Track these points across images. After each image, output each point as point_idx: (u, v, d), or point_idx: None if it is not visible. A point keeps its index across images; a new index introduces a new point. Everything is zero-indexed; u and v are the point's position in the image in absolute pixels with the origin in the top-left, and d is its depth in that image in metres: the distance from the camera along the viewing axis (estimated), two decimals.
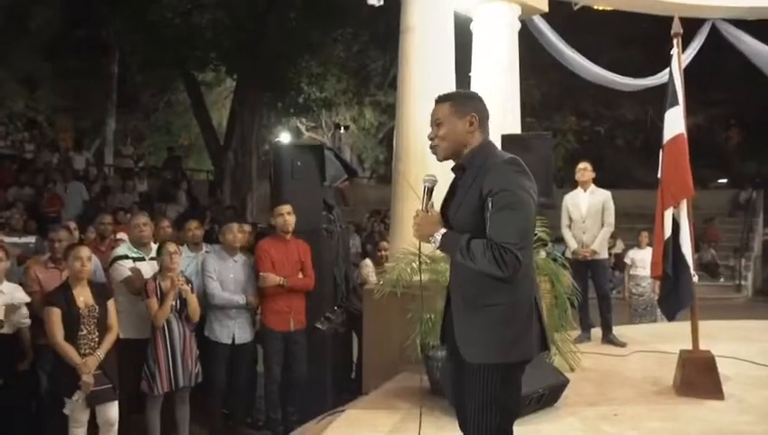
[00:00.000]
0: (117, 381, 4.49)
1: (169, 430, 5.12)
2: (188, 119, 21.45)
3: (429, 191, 2.64)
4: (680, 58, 5.08)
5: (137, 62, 17.22)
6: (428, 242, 2.56)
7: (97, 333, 4.45)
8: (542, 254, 5.15)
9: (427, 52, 6.12)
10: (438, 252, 4.31)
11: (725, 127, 24.71)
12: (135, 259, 5.20)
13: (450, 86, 5.95)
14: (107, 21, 15.92)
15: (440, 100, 2.68)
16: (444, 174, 2.75)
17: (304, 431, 4.71)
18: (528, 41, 8.45)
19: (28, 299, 4.75)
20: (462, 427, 2.70)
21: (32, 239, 7.18)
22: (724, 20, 8.76)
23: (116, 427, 4.53)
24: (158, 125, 23.92)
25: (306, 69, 15.46)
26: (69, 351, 4.30)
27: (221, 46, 14.53)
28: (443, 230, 2.51)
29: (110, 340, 4.52)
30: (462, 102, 2.64)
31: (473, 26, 7.41)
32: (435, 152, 2.67)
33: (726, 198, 21.31)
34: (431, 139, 2.66)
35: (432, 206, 2.62)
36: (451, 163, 2.71)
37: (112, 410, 4.48)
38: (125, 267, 5.13)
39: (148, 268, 5.17)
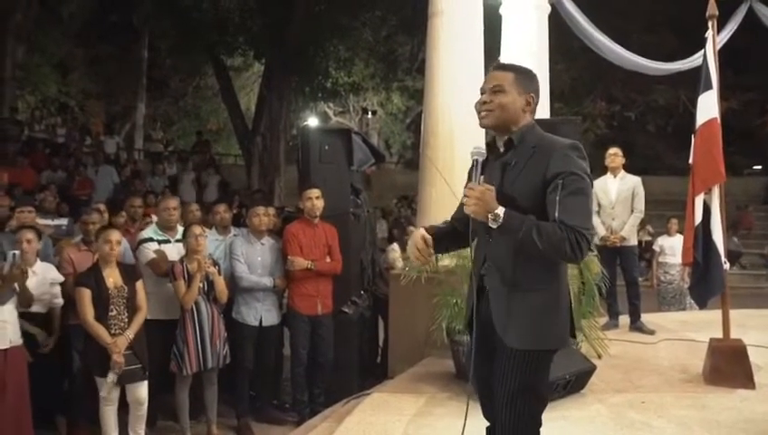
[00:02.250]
0: (146, 361, 4.57)
1: (198, 410, 5.21)
2: (217, 103, 21.63)
3: (479, 165, 2.46)
4: (715, 41, 4.97)
5: (166, 47, 17.35)
6: (486, 219, 2.35)
7: (126, 314, 4.54)
8: None
9: (456, 36, 6.06)
10: None
11: (760, 112, 24.14)
12: (160, 242, 5.27)
13: (479, 71, 5.90)
14: (137, 6, 16.05)
15: (503, 68, 2.56)
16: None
17: (330, 414, 4.74)
18: (558, 25, 8.34)
19: (62, 278, 4.85)
20: (485, 413, 2.67)
21: (64, 221, 7.30)
22: (761, 1, 8.54)
23: (145, 406, 4.62)
24: (186, 110, 24.16)
25: (334, 53, 15.43)
26: (99, 330, 4.39)
27: (249, 31, 14.57)
28: (502, 208, 2.34)
29: (138, 320, 4.60)
30: (526, 78, 2.53)
31: (502, 10, 7.34)
32: (483, 117, 2.51)
33: (761, 185, 20.91)
34: (485, 102, 2.50)
35: (482, 180, 2.43)
36: (477, 140, 2.61)
37: (142, 390, 4.57)
38: (150, 250, 5.20)
39: (173, 251, 5.24)
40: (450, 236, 2.70)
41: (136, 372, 4.50)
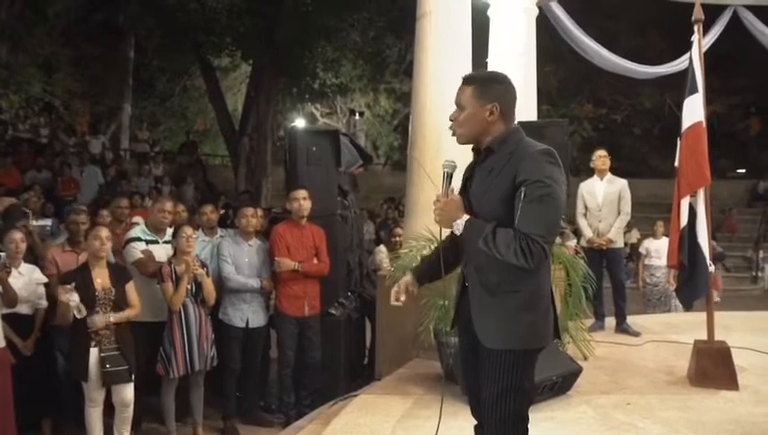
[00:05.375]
0: (133, 362, 4.54)
1: (184, 412, 5.18)
2: (204, 104, 21.50)
3: (449, 177, 2.57)
4: (701, 45, 5.01)
5: (153, 47, 17.23)
6: (450, 228, 2.50)
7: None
8: (558, 240, 5.13)
9: (444, 37, 6.06)
10: None
11: (745, 115, 24.36)
12: (148, 242, 5.24)
13: (466, 73, 5.90)
14: (124, 6, 15.93)
15: (465, 81, 2.58)
16: (460, 159, 2.67)
17: (317, 415, 4.73)
18: (546, 27, 8.37)
19: (46, 280, 4.81)
20: (474, 413, 2.69)
21: (48, 222, 7.23)
22: (746, 7, 8.60)
23: (131, 408, 4.58)
24: (173, 110, 23.98)
25: (322, 54, 15.38)
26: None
27: (237, 31, 14.48)
28: (466, 216, 2.46)
29: (126, 313, 4.55)
30: (485, 88, 2.52)
31: (490, 12, 7.35)
32: (453, 135, 2.60)
33: (745, 189, 21.09)
34: (452, 120, 2.58)
35: (453, 191, 2.56)
36: (467, 148, 2.64)
37: (128, 391, 4.53)
38: (137, 249, 5.17)
39: (160, 251, 5.22)
40: (427, 271, 2.81)
41: (122, 373, 4.46)
